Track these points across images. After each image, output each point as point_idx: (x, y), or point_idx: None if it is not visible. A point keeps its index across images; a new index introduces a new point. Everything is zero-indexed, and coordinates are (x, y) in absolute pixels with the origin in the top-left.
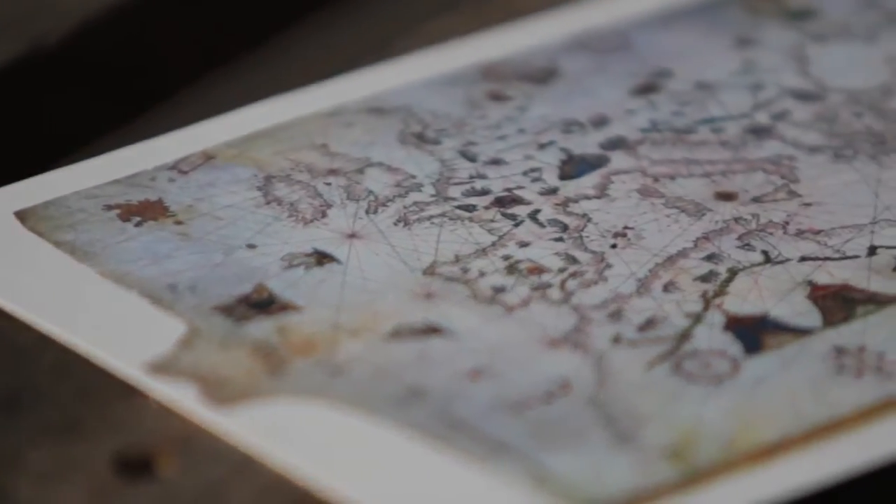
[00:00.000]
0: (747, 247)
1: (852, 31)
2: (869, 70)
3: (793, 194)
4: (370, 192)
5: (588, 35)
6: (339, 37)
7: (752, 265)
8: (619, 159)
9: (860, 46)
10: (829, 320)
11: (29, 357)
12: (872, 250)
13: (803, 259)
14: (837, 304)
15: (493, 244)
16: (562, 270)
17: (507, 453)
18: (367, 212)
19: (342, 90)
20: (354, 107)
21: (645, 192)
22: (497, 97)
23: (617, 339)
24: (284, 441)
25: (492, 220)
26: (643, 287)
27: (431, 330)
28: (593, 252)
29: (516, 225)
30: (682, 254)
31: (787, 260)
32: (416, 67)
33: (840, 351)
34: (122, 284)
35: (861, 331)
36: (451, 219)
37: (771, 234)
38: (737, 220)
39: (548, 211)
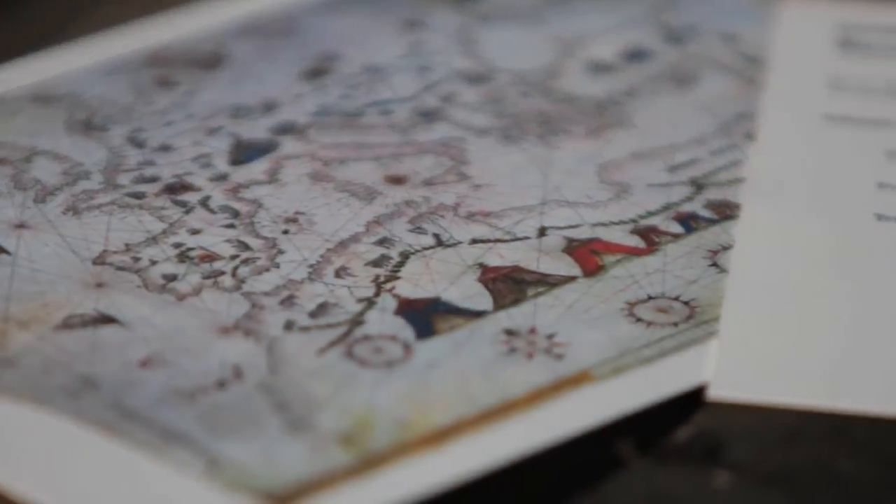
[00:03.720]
0: (419, 230)
1: (518, 12)
2: (534, 51)
3: (463, 176)
4: (37, 181)
5: (256, 20)
6: (2, 25)
7: (424, 248)
8: (289, 144)
9: (526, 27)
10: (500, 303)
11: None
12: (542, 231)
13: (474, 241)
14: (508, 286)
15: (164, 232)
16: (234, 257)
17: (179, 441)
18: (34, 201)
19: (5, 78)
20: (19, 95)
21: (316, 177)
22: (164, 83)
23: (289, 326)
24: None
25: (162, 208)
26: (315, 273)
27: (103, 319)
28: (265, 238)
29: (187, 212)
30: (354, 238)
31: (459, 243)
32: (82, 54)
33: (511, 333)
34: None
35: (531, 312)
36: (120, 207)
37: (442, 216)
38: (408, 203)
39: (219, 197)
